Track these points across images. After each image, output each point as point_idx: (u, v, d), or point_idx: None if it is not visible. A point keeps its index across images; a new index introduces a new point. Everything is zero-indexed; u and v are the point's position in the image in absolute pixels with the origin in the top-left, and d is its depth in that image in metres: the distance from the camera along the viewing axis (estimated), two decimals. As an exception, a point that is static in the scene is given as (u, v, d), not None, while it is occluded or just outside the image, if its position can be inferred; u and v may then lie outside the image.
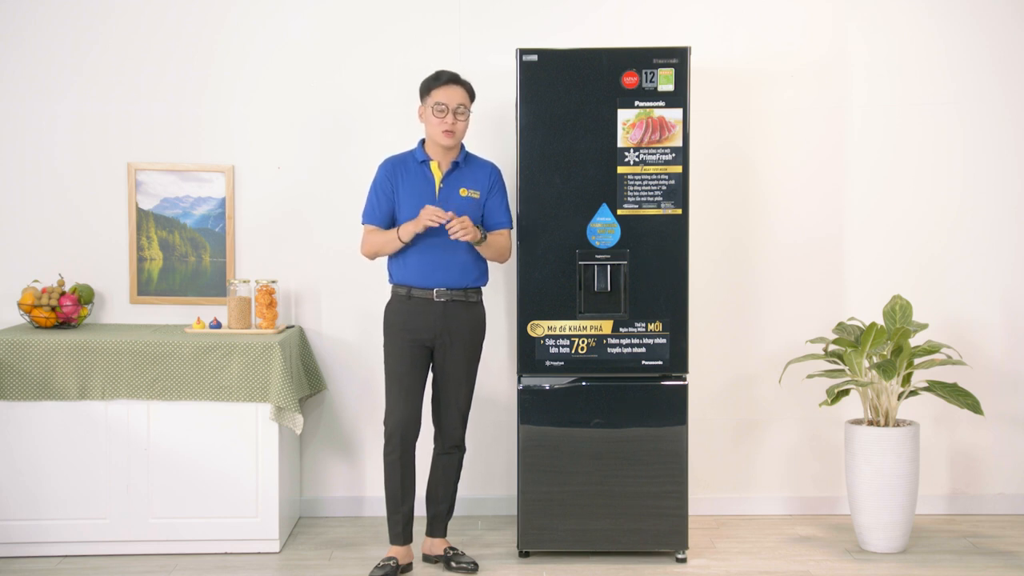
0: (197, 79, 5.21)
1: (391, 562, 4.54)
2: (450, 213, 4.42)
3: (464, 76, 4.66)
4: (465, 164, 4.59)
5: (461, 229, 4.39)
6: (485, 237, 4.51)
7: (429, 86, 4.53)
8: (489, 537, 5.02)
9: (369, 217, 4.59)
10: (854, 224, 5.30)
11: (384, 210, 4.56)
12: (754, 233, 5.29)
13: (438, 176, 4.54)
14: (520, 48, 4.62)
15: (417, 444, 4.61)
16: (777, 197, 5.28)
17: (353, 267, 5.15)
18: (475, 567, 4.60)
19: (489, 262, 4.66)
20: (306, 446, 5.30)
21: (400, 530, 4.59)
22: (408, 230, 4.45)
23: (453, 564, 4.62)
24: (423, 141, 4.62)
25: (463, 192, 4.56)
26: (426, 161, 4.56)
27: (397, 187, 4.54)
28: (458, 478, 4.72)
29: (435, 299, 4.53)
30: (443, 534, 4.74)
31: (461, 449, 4.69)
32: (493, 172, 4.63)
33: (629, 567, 4.64)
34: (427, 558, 4.74)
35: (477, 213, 4.57)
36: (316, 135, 5.25)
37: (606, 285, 4.63)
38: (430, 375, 4.65)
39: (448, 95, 4.49)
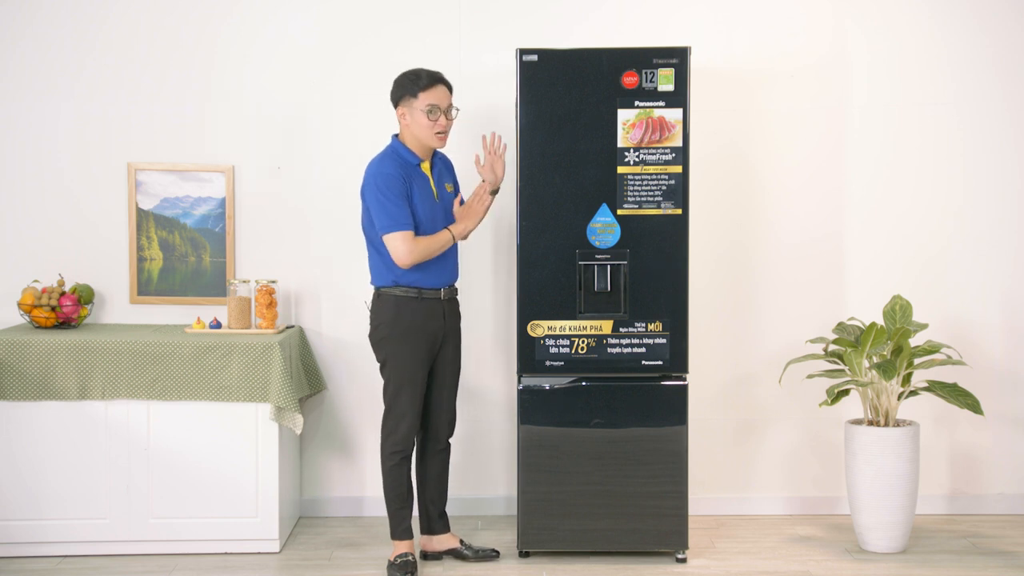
0: (197, 79, 5.21)
1: (408, 556, 4.56)
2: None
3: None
4: (440, 160, 4.64)
5: (487, 195, 4.63)
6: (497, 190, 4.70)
7: (412, 88, 4.46)
8: (489, 537, 5.02)
9: (404, 223, 4.39)
10: (854, 224, 5.30)
11: (410, 213, 4.43)
12: (754, 233, 5.29)
13: (431, 177, 4.55)
14: (520, 48, 4.62)
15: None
16: (777, 197, 5.28)
17: (353, 267, 5.15)
18: (497, 554, 4.70)
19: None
20: (306, 446, 5.30)
21: (408, 524, 4.61)
22: (461, 230, 4.53)
23: (471, 555, 4.69)
24: (397, 138, 4.56)
25: (448, 188, 4.62)
26: (420, 163, 4.54)
27: (411, 191, 4.47)
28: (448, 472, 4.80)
29: (442, 298, 4.56)
30: (449, 529, 4.76)
31: (449, 444, 4.74)
32: (451, 164, 4.72)
33: (629, 567, 4.64)
34: (432, 555, 4.75)
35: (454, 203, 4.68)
36: (316, 135, 5.25)
37: (606, 285, 4.63)
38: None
39: (438, 96, 4.46)
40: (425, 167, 4.54)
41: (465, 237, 4.57)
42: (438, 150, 4.63)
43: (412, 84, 4.47)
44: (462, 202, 4.66)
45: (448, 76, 4.57)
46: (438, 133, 4.47)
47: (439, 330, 4.56)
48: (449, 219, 4.57)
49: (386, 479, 4.58)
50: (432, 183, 4.54)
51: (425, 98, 4.45)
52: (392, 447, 4.55)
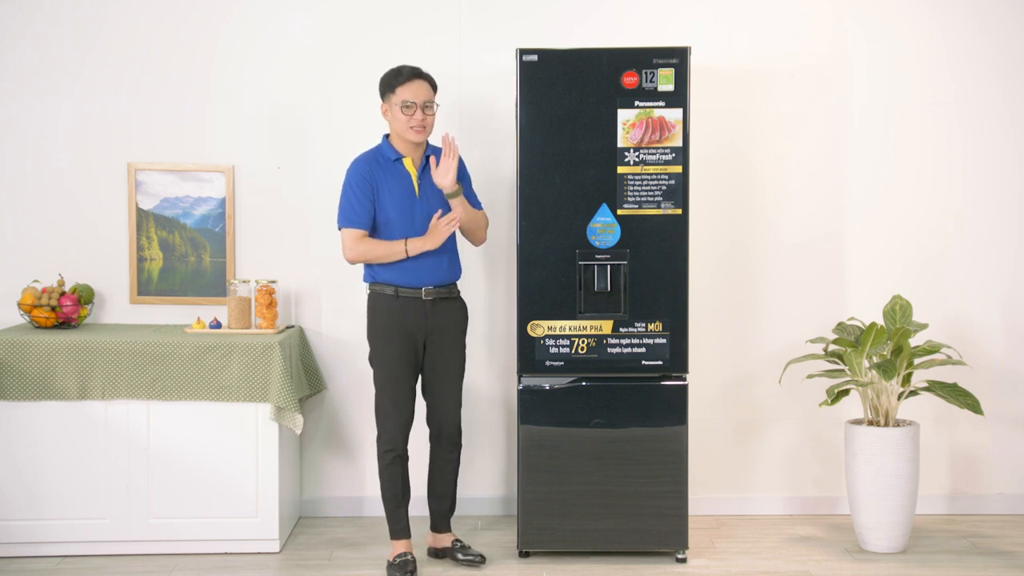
0: (197, 79, 5.21)
1: (407, 556, 4.56)
2: (452, 214, 4.46)
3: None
4: (436, 158, 4.60)
5: (456, 221, 4.47)
6: (460, 191, 4.54)
7: (391, 83, 4.50)
8: (489, 536, 5.02)
9: (354, 221, 4.49)
10: (854, 224, 5.30)
11: (368, 212, 4.50)
12: (754, 233, 5.29)
13: (414, 173, 4.53)
14: (520, 48, 4.62)
15: (414, 439, 4.65)
16: (777, 197, 5.28)
17: (353, 267, 5.15)
18: (483, 560, 4.64)
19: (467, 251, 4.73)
20: (306, 446, 5.30)
21: (405, 524, 4.61)
22: (418, 247, 4.44)
23: (460, 556, 4.66)
24: (387, 137, 4.60)
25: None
26: (399, 159, 4.54)
27: (378, 187, 4.50)
28: (457, 473, 4.75)
29: (423, 298, 4.53)
30: (449, 528, 4.76)
31: (458, 445, 4.71)
32: (459, 163, 4.62)
33: (629, 567, 4.64)
34: (433, 552, 4.76)
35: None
36: (316, 135, 5.25)
37: (606, 285, 4.63)
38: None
39: (414, 92, 4.47)
40: (407, 163, 4.52)
41: (412, 255, 4.47)
42: (439, 148, 4.63)
43: (392, 79, 4.50)
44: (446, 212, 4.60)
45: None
46: (413, 127, 4.47)
47: (419, 330, 4.54)
48: (431, 217, 4.52)
49: (380, 479, 4.59)
50: (415, 180, 4.53)
51: (402, 92, 4.47)
52: (383, 446, 4.56)
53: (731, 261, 5.30)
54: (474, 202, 4.67)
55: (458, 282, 4.69)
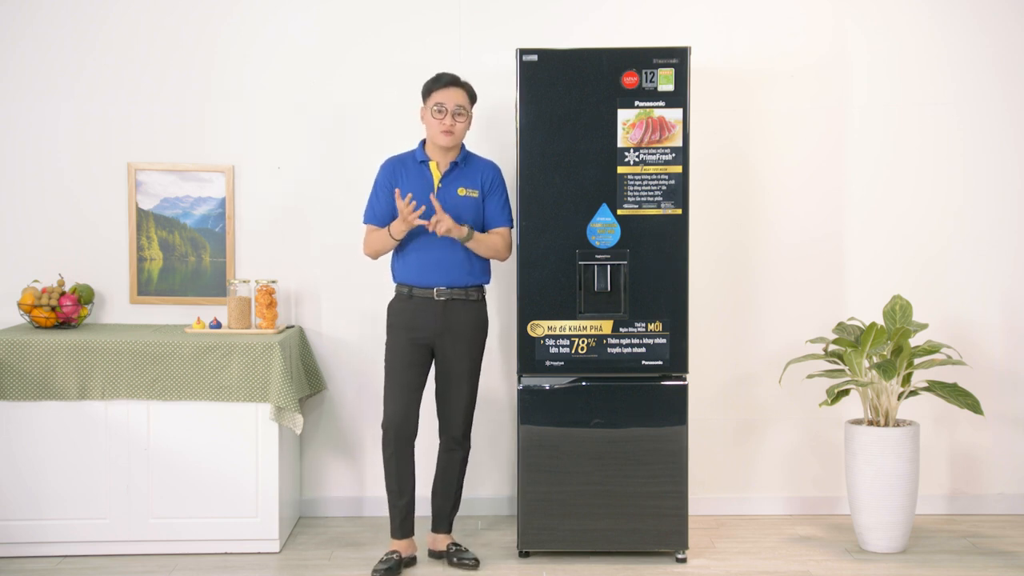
0: (197, 79, 5.21)
1: (394, 555, 4.58)
2: (423, 208, 4.45)
3: (464, 74, 4.67)
4: (464, 164, 4.61)
5: (437, 223, 4.44)
6: (470, 235, 4.51)
7: (429, 88, 4.58)
8: (489, 536, 5.02)
9: (369, 217, 4.63)
10: (854, 224, 5.31)
11: (384, 209, 4.59)
12: (754, 233, 5.29)
13: (437, 176, 4.56)
14: (520, 48, 4.62)
15: (425, 440, 4.65)
16: (777, 197, 5.28)
17: (353, 267, 5.16)
18: (476, 563, 4.62)
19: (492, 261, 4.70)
20: (306, 446, 5.30)
21: (399, 523, 4.62)
22: (398, 228, 4.48)
23: (455, 560, 4.65)
24: (423, 142, 4.64)
25: (461, 191, 4.58)
26: (425, 161, 4.59)
27: (398, 186, 4.55)
28: (462, 476, 4.74)
29: (435, 298, 4.55)
30: (447, 530, 4.76)
31: (464, 447, 4.71)
32: (491, 171, 4.65)
33: (629, 567, 4.64)
34: (432, 553, 4.76)
35: (476, 212, 4.59)
36: (316, 135, 5.25)
37: (606, 285, 4.63)
38: (432, 372, 4.68)
39: (447, 96, 4.53)
40: (433, 166, 4.57)
41: (397, 237, 4.50)
42: (485, 159, 4.67)
43: (431, 84, 4.59)
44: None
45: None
46: (441, 131, 4.51)
47: (430, 330, 4.56)
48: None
49: (383, 472, 4.62)
50: (436, 182, 4.55)
51: (435, 97, 4.55)
52: (382, 439, 4.61)
53: (731, 261, 5.30)
54: (500, 219, 4.64)
55: (486, 287, 4.70)
